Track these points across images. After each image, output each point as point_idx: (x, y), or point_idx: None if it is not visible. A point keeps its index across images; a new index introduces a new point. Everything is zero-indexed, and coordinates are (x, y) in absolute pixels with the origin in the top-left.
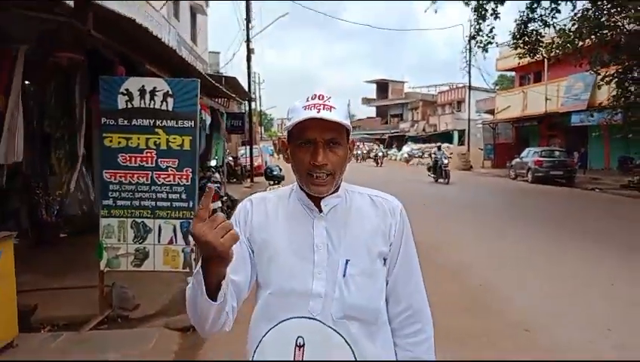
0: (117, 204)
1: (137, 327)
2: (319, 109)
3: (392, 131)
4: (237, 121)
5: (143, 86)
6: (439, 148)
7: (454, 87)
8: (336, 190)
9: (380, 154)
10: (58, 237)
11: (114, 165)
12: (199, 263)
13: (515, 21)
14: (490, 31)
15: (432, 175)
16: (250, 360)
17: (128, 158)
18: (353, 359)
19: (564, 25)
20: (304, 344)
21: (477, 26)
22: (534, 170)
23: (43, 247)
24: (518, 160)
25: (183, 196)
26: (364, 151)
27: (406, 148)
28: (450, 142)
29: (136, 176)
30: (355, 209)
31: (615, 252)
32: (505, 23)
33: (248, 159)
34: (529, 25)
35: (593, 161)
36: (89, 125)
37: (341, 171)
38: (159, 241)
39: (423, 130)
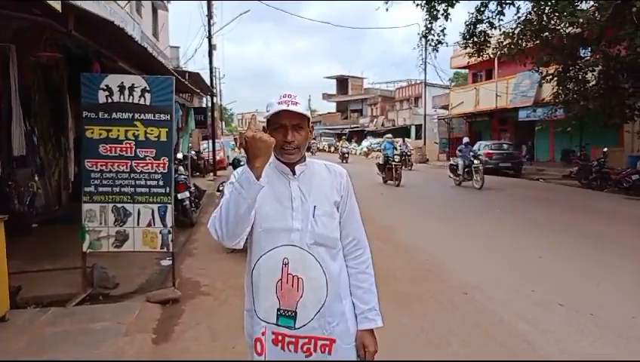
0: (98, 191)
1: (120, 302)
2: (288, 104)
3: (352, 126)
4: (200, 116)
5: (122, 82)
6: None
7: (412, 83)
8: (303, 160)
9: (345, 150)
10: (30, 228)
11: (95, 155)
12: (244, 166)
13: (465, 22)
14: (442, 31)
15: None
16: (250, 278)
17: (109, 148)
18: (322, 272)
19: (511, 28)
20: (288, 262)
21: (429, 26)
22: (485, 161)
23: (16, 237)
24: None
25: (161, 183)
26: (323, 146)
27: (365, 143)
28: (408, 136)
29: (116, 164)
30: (317, 173)
31: (546, 231)
32: (458, 23)
33: (210, 153)
34: (477, 26)
35: (540, 153)
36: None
37: (303, 146)
38: (138, 224)
39: (382, 124)
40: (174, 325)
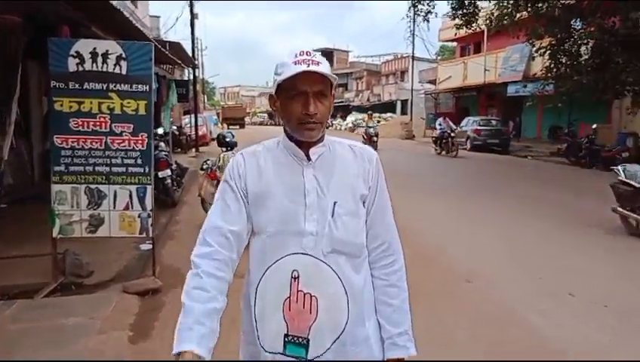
0: (69, 170)
1: (94, 293)
2: (308, 64)
3: (337, 101)
4: (181, 89)
5: (94, 48)
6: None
7: (398, 57)
8: (321, 139)
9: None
10: None
11: (65, 130)
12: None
13: None
14: (432, 0)
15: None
16: (255, 295)
17: (80, 123)
18: (342, 287)
19: None
20: (299, 276)
21: None
22: (473, 138)
23: None
24: (458, 129)
25: (139, 161)
26: None
27: (350, 118)
28: (394, 111)
29: (89, 141)
30: (339, 157)
31: (543, 211)
32: None
33: (192, 128)
34: None
35: (527, 129)
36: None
37: (326, 119)
38: (115, 207)
39: (367, 99)
40: (154, 320)
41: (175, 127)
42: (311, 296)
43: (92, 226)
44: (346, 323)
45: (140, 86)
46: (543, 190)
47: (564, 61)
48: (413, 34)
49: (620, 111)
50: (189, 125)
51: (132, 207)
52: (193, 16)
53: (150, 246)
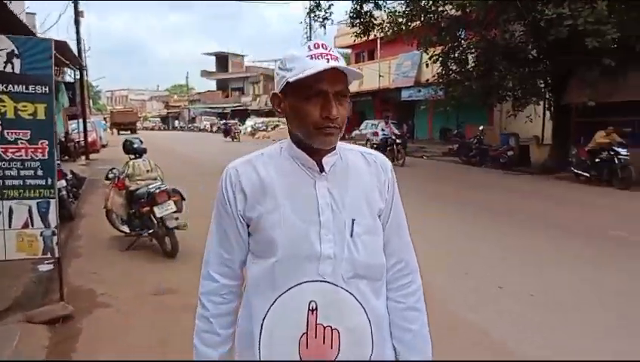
0: None
1: None
2: (328, 59)
3: (234, 105)
4: (68, 92)
5: None
6: None
7: None
8: (334, 147)
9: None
10: None
11: None
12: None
13: (352, 1)
14: (329, 8)
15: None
16: (259, 330)
17: None
18: (365, 316)
19: (394, 8)
20: (317, 307)
21: (317, 1)
22: (372, 140)
23: None
24: (357, 131)
25: (39, 172)
26: (204, 126)
27: (249, 122)
28: None
29: None
30: (352, 166)
31: (445, 208)
32: (345, 2)
33: (81, 134)
34: (364, 6)
35: (419, 131)
36: None
37: (345, 124)
38: (10, 226)
39: (265, 103)
40: (71, 351)
41: (62, 134)
42: (332, 330)
43: None
44: (371, 355)
45: (38, 87)
46: (436, 185)
47: (453, 68)
48: (310, 40)
49: (501, 114)
50: (76, 131)
51: (32, 225)
52: (78, 14)
53: (51, 266)
